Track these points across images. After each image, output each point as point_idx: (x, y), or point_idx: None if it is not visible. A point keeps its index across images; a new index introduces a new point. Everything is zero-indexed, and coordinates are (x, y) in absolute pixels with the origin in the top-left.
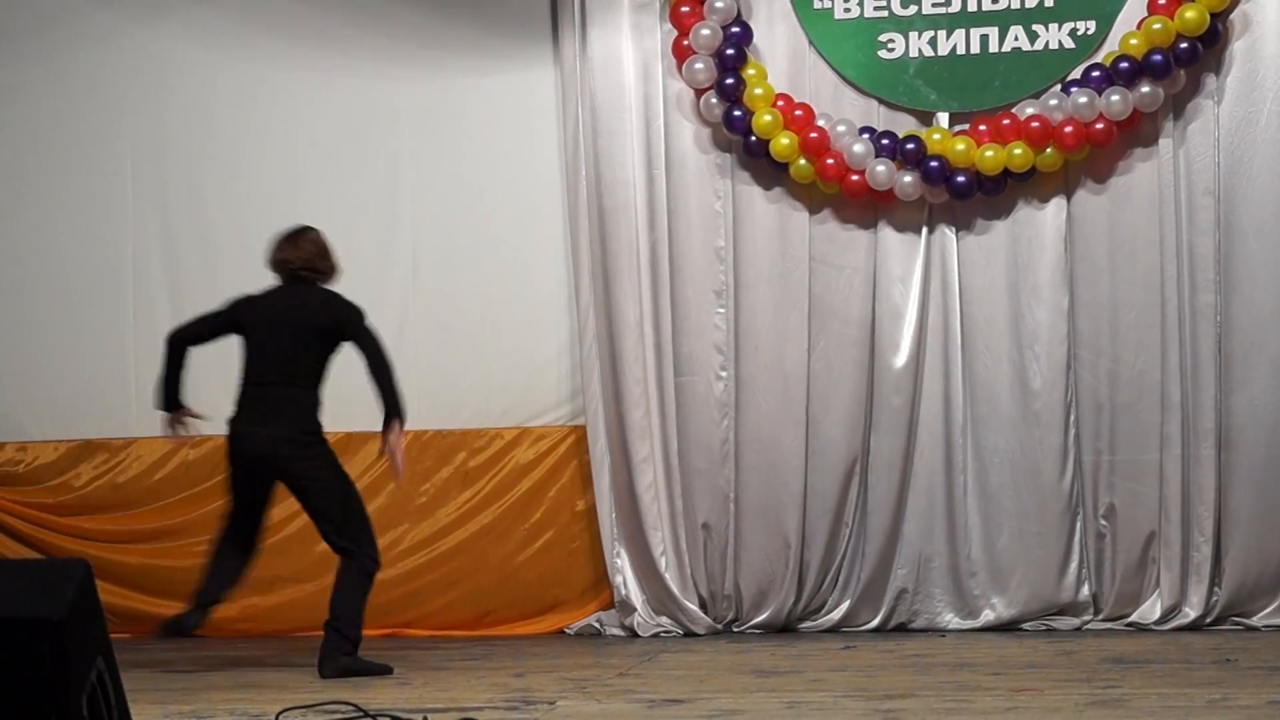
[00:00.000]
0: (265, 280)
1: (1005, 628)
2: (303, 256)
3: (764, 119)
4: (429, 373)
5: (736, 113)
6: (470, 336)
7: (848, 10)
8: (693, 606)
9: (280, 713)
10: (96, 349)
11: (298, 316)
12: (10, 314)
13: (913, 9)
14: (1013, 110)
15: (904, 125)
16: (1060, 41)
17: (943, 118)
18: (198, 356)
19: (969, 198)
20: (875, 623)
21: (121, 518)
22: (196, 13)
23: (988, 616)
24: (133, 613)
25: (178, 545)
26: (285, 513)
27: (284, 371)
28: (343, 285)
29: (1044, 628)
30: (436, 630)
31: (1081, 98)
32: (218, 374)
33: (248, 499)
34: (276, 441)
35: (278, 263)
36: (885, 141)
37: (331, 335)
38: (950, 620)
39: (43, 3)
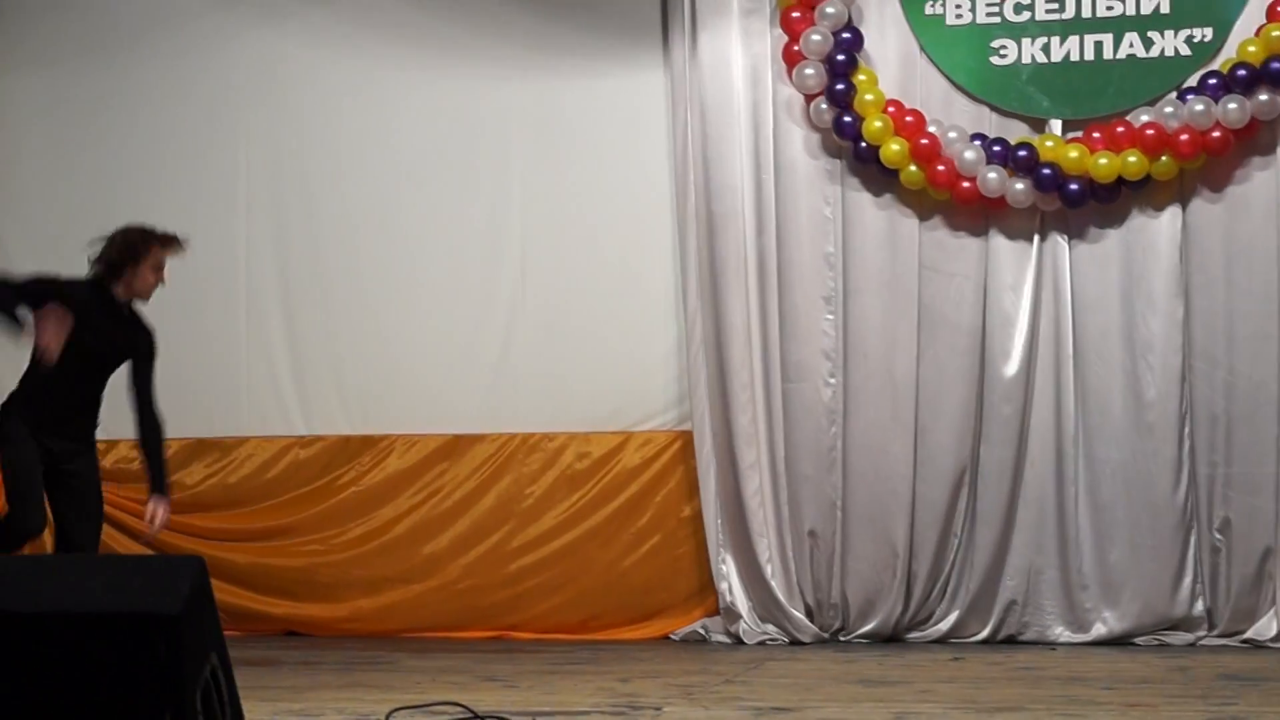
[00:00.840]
0: (378, 283)
1: (1117, 642)
2: None
3: (874, 125)
4: (536, 376)
5: (847, 118)
6: (578, 340)
7: (959, 16)
8: (799, 614)
9: (390, 713)
10: (209, 349)
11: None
12: None
13: (1026, 15)
14: (1127, 118)
15: (1016, 132)
16: (1176, 48)
17: (1056, 125)
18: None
19: (1082, 205)
20: (984, 634)
21: (232, 516)
22: (312, 16)
23: (1099, 630)
24: (242, 610)
25: (287, 544)
26: (393, 513)
27: None
28: (451, 285)
29: (1156, 643)
30: (542, 634)
31: (1198, 105)
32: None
33: None
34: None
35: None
36: (997, 148)
37: None
38: (1061, 633)
39: (167, 6)
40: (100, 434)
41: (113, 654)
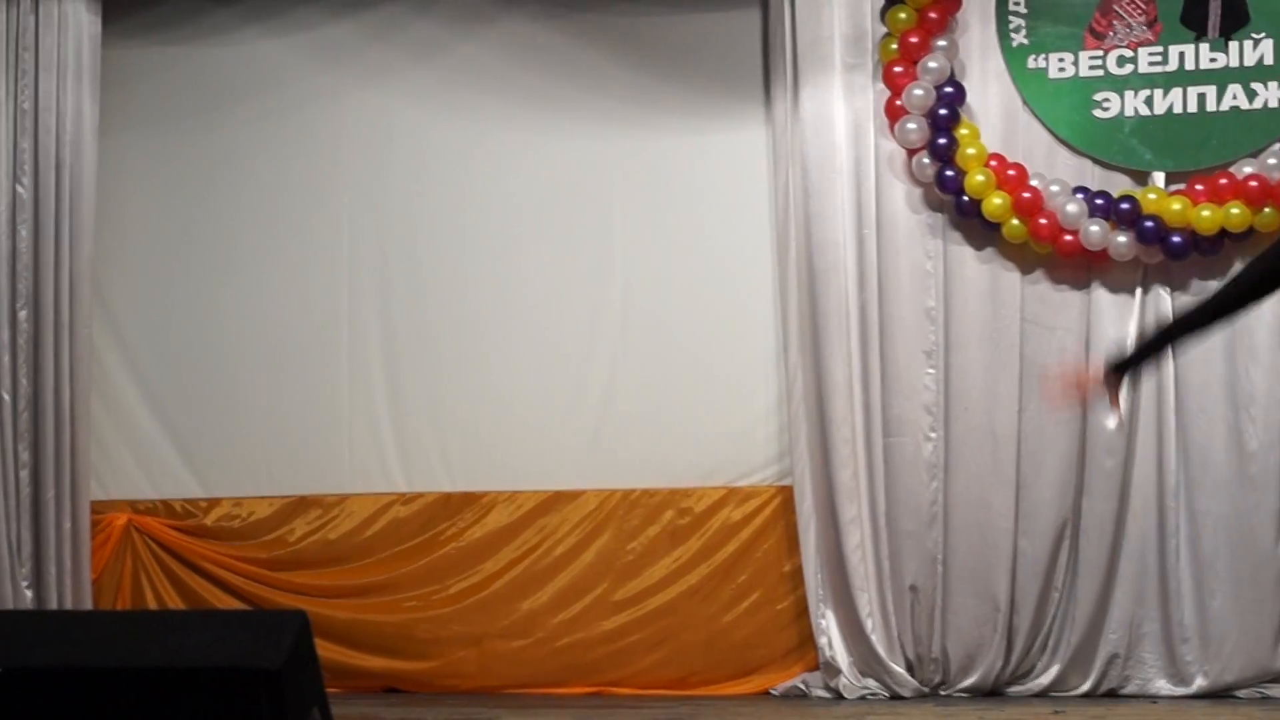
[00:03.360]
0: (479, 339)
1: (1218, 695)
2: None
3: (976, 179)
4: (637, 431)
5: (949, 173)
6: (679, 395)
7: (1062, 69)
8: (899, 669)
9: None
10: (312, 407)
11: None
12: (229, 372)
13: (1128, 68)
14: (1230, 169)
15: (1119, 185)
16: None
17: (1158, 177)
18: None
19: (1185, 258)
20: (1085, 688)
21: (333, 573)
22: (417, 74)
23: (1200, 684)
24: (341, 667)
25: (387, 600)
26: (494, 569)
27: None
28: (552, 341)
29: (1259, 695)
30: (642, 689)
31: None
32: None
33: None
34: None
35: None
36: (1099, 201)
37: None
38: (1162, 687)
39: (268, 65)
40: (202, 491)
41: (216, 708)
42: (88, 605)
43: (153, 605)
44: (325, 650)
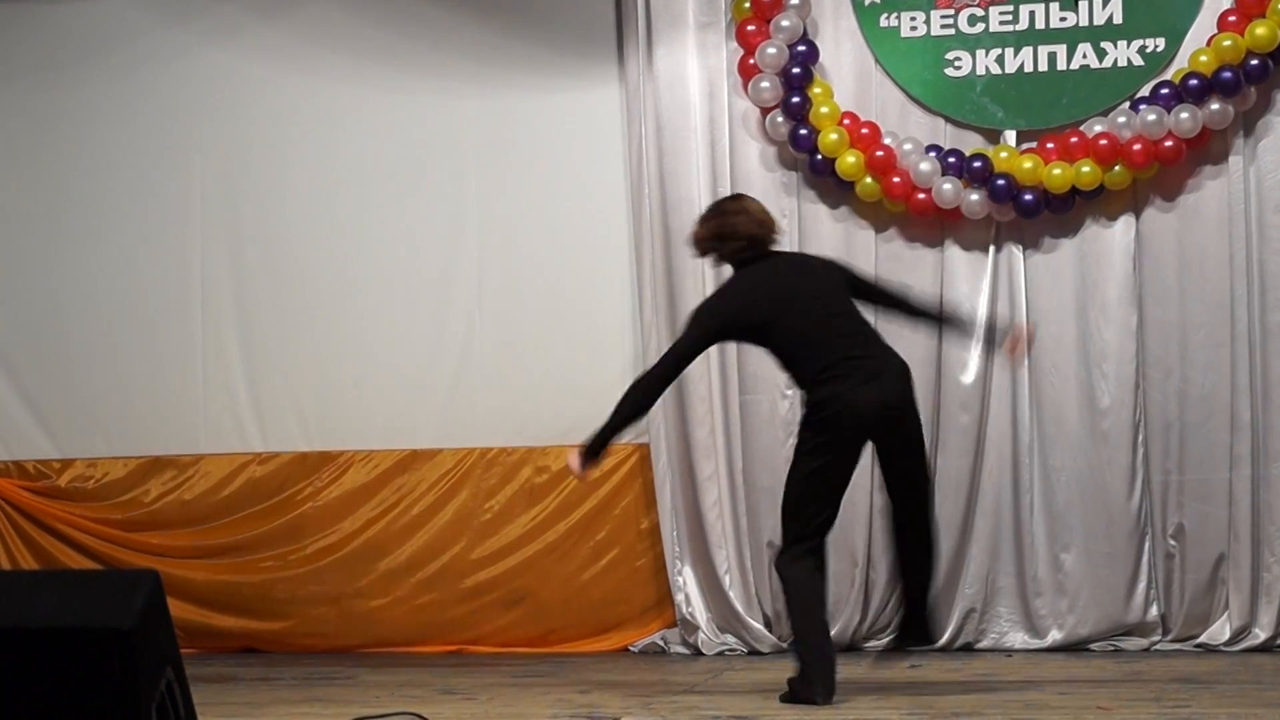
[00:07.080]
0: (335, 299)
1: (1072, 648)
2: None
3: (830, 137)
4: (494, 390)
5: (802, 131)
6: (535, 354)
7: (914, 28)
8: (757, 625)
9: None
10: (166, 367)
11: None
12: (81, 332)
13: (980, 27)
14: (1080, 128)
15: (971, 143)
16: (1129, 59)
17: (1010, 135)
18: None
19: (1036, 216)
20: (941, 641)
21: (188, 533)
22: (265, 32)
23: (1055, 636)
24: (198, 627)
25: (243, 561)
26: (351, 528)
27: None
28: (408, 300)
29: (1111, 648)
30: (501, 648)
31: (1150, 115)
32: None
33: (848, 471)
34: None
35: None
36: (952, 159)
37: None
38: (1017, 640)
39: (115, 23)
40: (55, 452)
41: (66, 669)
42: None
43: (6, 568)
44: (182, 611)
